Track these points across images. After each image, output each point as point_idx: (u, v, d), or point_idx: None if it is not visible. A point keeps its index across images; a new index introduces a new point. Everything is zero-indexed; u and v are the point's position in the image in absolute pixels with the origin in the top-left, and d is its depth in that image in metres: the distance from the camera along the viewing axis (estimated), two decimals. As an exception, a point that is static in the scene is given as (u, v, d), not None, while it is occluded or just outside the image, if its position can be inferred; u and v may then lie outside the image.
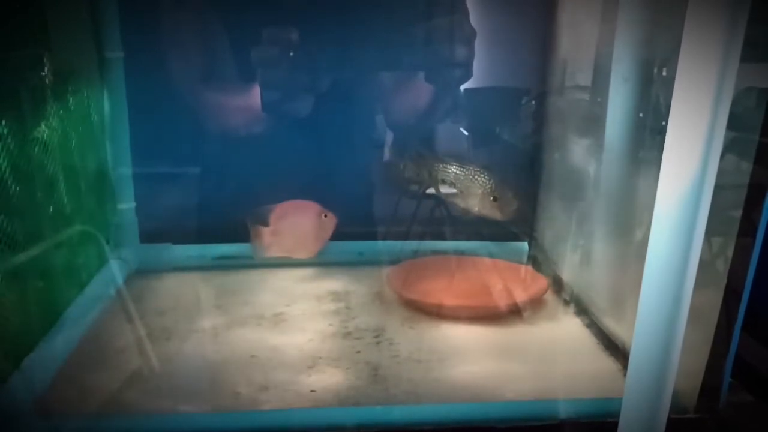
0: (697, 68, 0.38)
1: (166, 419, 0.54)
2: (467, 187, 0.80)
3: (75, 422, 0.53)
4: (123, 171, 0.83)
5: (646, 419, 0.45)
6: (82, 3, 0.77)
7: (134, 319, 0.72)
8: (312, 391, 0.59)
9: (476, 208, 0.80)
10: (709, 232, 0.42)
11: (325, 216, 0.80)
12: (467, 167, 0.80)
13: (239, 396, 0.57)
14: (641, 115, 0.63)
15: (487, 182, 0.79)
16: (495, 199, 0.78)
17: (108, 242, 0.83)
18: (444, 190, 0.98)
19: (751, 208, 0.49)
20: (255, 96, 0.78)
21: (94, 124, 0.79)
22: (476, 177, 0.80)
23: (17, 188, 0.59)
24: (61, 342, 0.64)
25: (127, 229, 0.85)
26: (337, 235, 0.91)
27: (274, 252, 0.79)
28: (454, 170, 0.81)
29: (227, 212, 0.87)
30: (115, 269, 0.82)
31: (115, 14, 0.78)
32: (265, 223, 0.79)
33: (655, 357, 0.44)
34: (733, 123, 0.49)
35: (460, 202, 0.81)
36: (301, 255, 0.81)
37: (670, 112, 0.40)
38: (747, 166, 0.49)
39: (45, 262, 0.66)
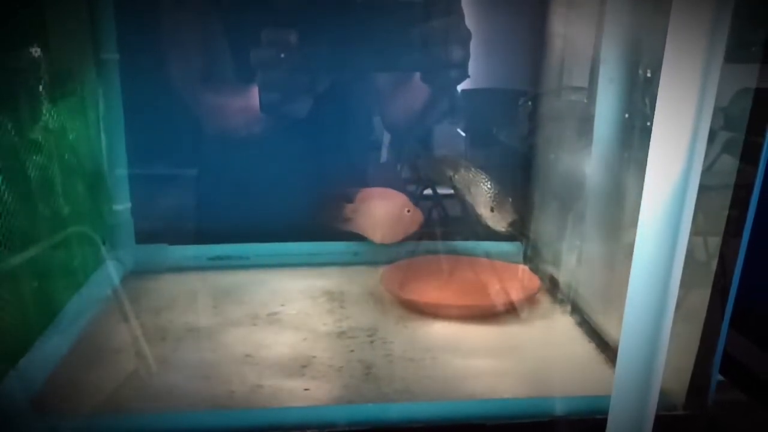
0: (682, 68, 0.39)
1: (160, 418, 0.54)
2: (476, 194, 0.81)
3: (71, 421, 0.53)
4: (119, 172, 0.83)
5: (634, 416, 0.46)
6: (79, 5, 0.78)
7: (130, 319, 0.72)
8: (306, 389, 0.59)
9: (479, 215, 0.81)
10: (696, 231, 0.43)
11: (408, 211, 0.80)
12: (479, 173, 0.81)
13: (234, 394, 0.58)
14: (627, 115, 0.64)
15: (489, 190, 0.79)
16: (492, 210, 0.79)
17: (104, 243, 0.84)
18: (441, 191, 0.99)
19: (738, 206, 0.50)
20: (252, 97, 0.79)
21: (90, 126, 0.80)
22: (481, 184, 0.80)
23: (13, 189, 0.60)
24: (57, 342, 0.65)
25: (122, 229, 0.85)
26: (332, 236, 0.92)
27: (348, 226, 0.82)
28: (471, 175, 0.82)
29: (222, 212, 0.88)
30: (111, 270, 0.82)
31: (110, 16, 0.78)
32: (349, 200, 0.82)
33: (643, 354, 0.44)
34: (728, 123, 0.50)
35: (474, 206, 0.82)
36: (375, 238, 0.82)
37: (655, 112, 0.40)
38: (735, 165, 0.50)
39: (41, 262, 0.66)
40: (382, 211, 0.82)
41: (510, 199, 0.79)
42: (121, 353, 0.65)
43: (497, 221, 0.79)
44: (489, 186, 0.80)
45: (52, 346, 0.64)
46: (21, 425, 0.53)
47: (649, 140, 0.41)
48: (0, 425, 0.52)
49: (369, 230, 0.82)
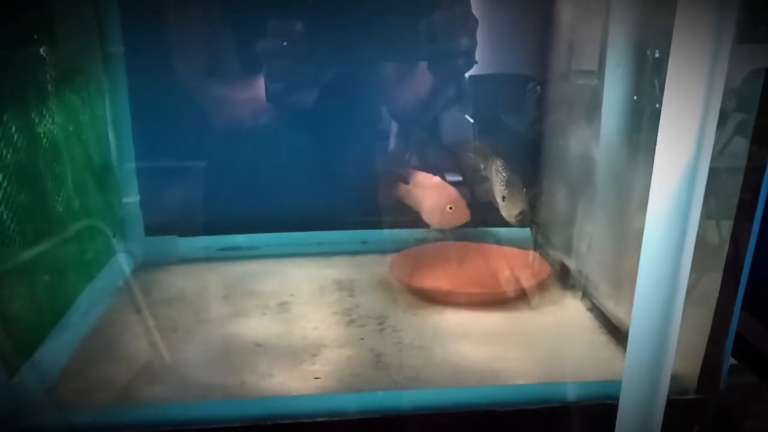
0: (690, 50, 0.38)
1: (172, 408, 0.54)
2: (494, 182, 0.81)
3: (84, 412, 0.54)
4: (127, 165, 0.84)
5: (645, 401, 0.46)
6: (85, -1, 0.78)
7: (141, 310, 0.73)
8: (316, 378, 0.59)
9: (497, 202, 0.81)
10: (707, 214, 0.42)
11: (451, 208, 0.81)
12: (498, 160, 0.81)
13: (245, 384, 0.58)
14: (635, 98, 0.63)
15: (503, 179, 0.79)
16: (504, 199, 0.79)
17: (114, 235, 0.84)
18: (450, 178, 0.98)
19: (750, 189, 0.49)
20: (258, 88, 0.78)
21: (97, 119, 0.80)
22: (498, 172, 0.80)
23: (24, 184, 0.60)
24: (70, 334, 0.65)
25: (132, 222, 0.86)
26: (341, 225, 0.92)
27: (404, 202, 0.85)
28: (492, 162, 0.82)
29: (231, 203, 0.88)
30: (122, 262, 0.83)
31: (115, 9, 0.78)
32: (405, 181, 0.85)
33: (654, 339, 0.44)
34: (741, 105, 0.49)
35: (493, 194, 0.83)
36: (425, 220, 0.84)
37: (664, 95, 0.40)
38: (747, 148, 0.49)
39: (53, 256, 0.67)
40: (429, 202, 0.83)
41: (524, 190, 0.79)
42: (133, 344, 0.66)
43: (507, 211, 0.79)
44: (504, 175, 0.80)
45: (66, 338, 0.64)
46: (36, 416, 0.53)
47: (658, 123, 0.40)
48: (16, 417, 0.52)
49: (420, 211, 0.85)
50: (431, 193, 0.83)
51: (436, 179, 0.85)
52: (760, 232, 0.50)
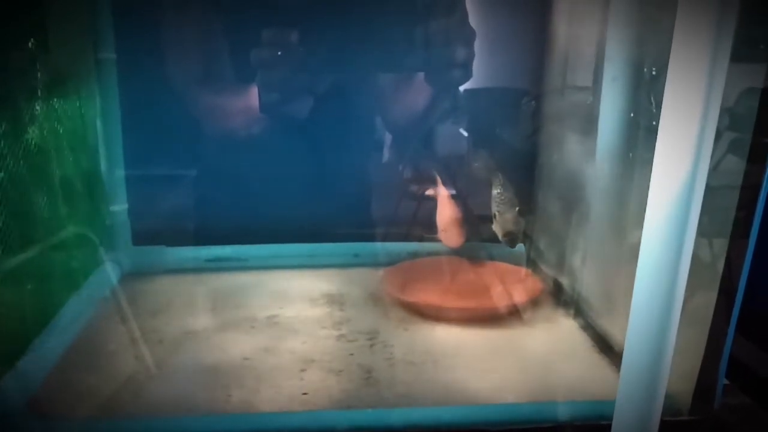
0: (688, 67, 0.38)
1: (156, 422, 0.54)
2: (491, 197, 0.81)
3: (66, 423, 0.53)
4: (116, 173, 0.83)
5: (639, 421, 0.45)
6: (78, 5, 0.77)
7: (127, 321, 0.71)
8: (304, 394, 0.58)
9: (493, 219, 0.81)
10: (702, 232, 0.42)
11: (444, 231, 0.82)
12: (497, 176, 0.81)
13: (231, 399, 0.57)
14: (632, 114, 0.63)
15: (497, 196, 0.79)
16: (495, 217, 0.78)
17: (101, 244, 0.83)
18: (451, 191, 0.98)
19: (745, 207, 0.49)
20: (252, 97, 0.78)
21: (87, 126, 0.79)
22: (493, 189, 0.80)
23: (11, 190, 0.59)
24: (54, 343, 0.64)
25: (119, 231, 0.85)
26: (333, 237, 0.91)
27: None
28: (492, 178, 0.82)
29: (220, 214, 0.87)
30: (109, 271, 0.82)
31: (108, 16, 0.78)
32: (433, 185, 0.88)
33: (648, 359, 0.43)
34: (734, 123, 0.49)
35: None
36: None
37: (662, 111, 0.39)
38: (741, 166, 0.49)
39: (39, 264, 0.66)
40: (437, 215, 0.84)
41: (517, 209, 0.78)
42: (118, 355, 0.64)
43: (497, 230, 0.79)
44: (499, 192, 0.79)
45: (50, 348, 0.63)
46: (18, 426, 0.52)
47: (654, 139, 0.40)
48: (-3, 426, 0.51)
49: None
50: (440, 208, 0.84)
51: (445, 195, 0.85)
52: (754, 252, 0.50)
